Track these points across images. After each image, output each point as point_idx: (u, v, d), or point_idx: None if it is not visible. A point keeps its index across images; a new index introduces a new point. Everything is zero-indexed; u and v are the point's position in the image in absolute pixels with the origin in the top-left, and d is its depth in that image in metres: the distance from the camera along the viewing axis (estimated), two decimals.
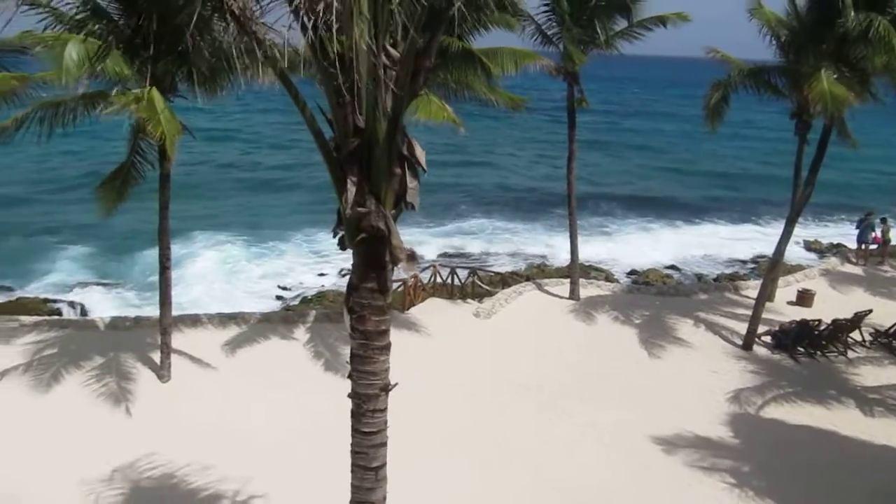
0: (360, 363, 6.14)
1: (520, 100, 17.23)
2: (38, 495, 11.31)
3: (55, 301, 24.42)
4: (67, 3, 13.16)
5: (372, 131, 5.51)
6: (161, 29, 12.78)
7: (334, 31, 5.19)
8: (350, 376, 6.29)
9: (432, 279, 21.05)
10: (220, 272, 29.90)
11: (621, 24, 19.37)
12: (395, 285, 16.30)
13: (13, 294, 25.75)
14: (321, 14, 4.76)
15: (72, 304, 24.34)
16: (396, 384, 6.38)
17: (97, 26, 13.38)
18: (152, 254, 29.60)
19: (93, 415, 13.84)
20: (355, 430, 6.39)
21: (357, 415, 6.32)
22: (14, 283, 27.47)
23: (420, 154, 5.86)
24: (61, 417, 13.71)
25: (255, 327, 18.02)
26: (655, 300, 21.23)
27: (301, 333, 17.75)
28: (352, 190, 5.60)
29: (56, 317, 19.64)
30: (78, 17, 13.32)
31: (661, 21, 19.28)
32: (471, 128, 14.50)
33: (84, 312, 23.04)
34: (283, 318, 18.79)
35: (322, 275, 29.85)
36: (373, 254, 5.84)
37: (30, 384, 14.88)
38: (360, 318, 6.00)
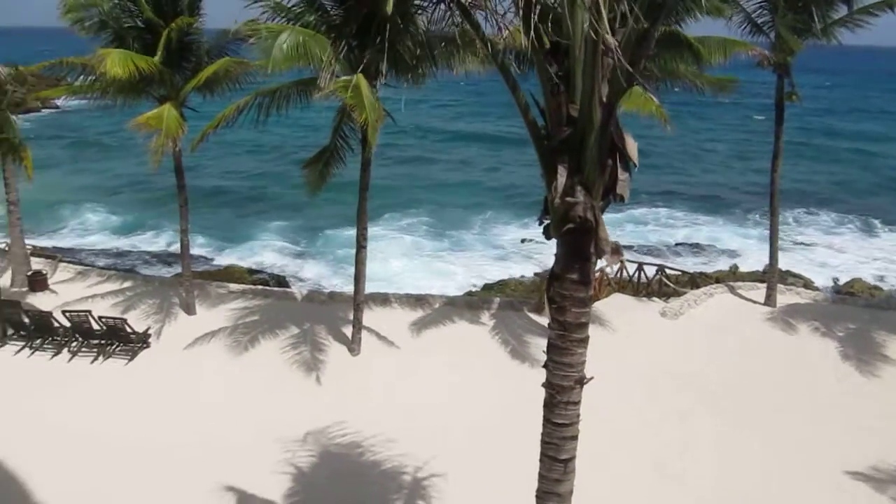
0: (558, 354, 6.09)
1: (729, 80, 16.39)
2: (237, 446, 12.30)
3: (259, 272, 26.45)
4: None
5: (586, 121, 5.42)
6: (370, 18, 13.41)
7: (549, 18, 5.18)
8: (545, 366, 6.25)
9: (618, 274, 20.56)
10: (405, 254, 31.08)
11: (841, 10, 17.77)
12: None
13: (224, 263, 28.24)
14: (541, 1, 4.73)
15: (273, 275, 26.23)
16: (592, 378, 6.29)
17: (311, 17, 14.30)
18: (347, 234, 31.87)
19: (287, 380, 14.89)
20: (547, 421, 6.36)
21: (550, 405, 6.28)
22: (225, 252, 30.16)
23: (631, 146, 5.68)
24: (258, 379, 14.87)
25: (440, 310, 18.50)
26: (863, 313, 19.42)
27: (486, 319, 17.98)
28: (561, 179, 5.54)
29: (260, 286, 21.17)
30: (296, 9, 14.31)
31: (889, 5, 17.46)
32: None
33: (284, 284, 24.69)
34: (468, 304, 19.13)
35: (507, 267, 30.12)
36: (578, 245, 5.75)
37: (231, 346, 16.28)
38: (561, 308, 5.95)
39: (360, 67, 13.31)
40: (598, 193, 5.65)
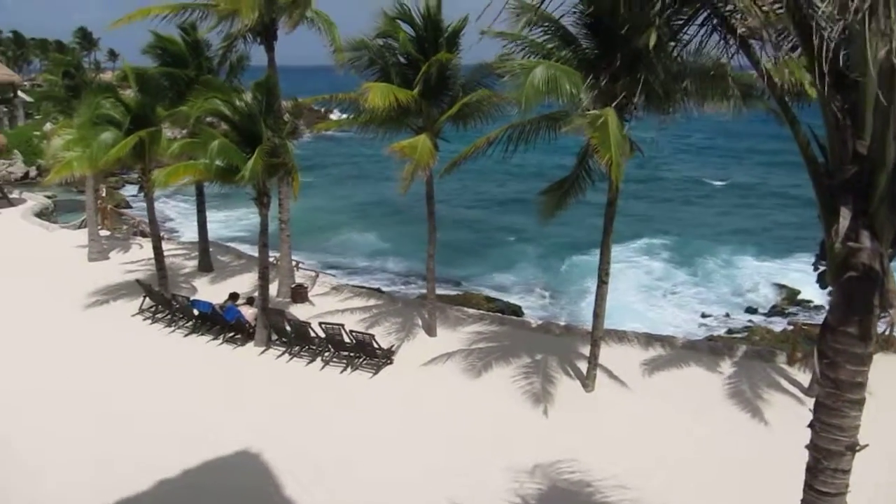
0: (827, 414, 5.51)
1: None
2: (464, 470, 12.53)
3: (496, 299, 27.00)
4: (540, 33, 14.57)
5: (876, 158, 4.89)
6: (623, 51, 13.26)
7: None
8: (811, 426, 5.69)
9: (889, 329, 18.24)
10: (642, 287, 30.17)
11: None
12: None
13: (461, 288, 29.23)
14: (838, 29, 4.35)
15: (509, 304, 26.62)
16: (867, 445, 5.61)
17: (564, 52, 14.44)
18: (584, 261, 31.76)
19: (517, 408, 14.90)
20: (809, 487, 5.78)
21: (815, 470, 5.70)
22: (463, 277, 31.23)
23: None
24: (489, 404, 15.06)
25: (679, 352, 17.65)
26: None
27: (726, 367, 16.84)
28: (844, 222, 5.03)
29: (497, 314, 21.57)
30: (549, 45, 14.53)
31: None
32: None
33: (519, 312, 24.98)
34: (711, 349, 18.03)
35: (752, 309, 28.15)
36: (859, 295, 5.19)
37: (467, 369, 16.69)
38: (834, 364, 5.39)
39: (610, 101, 13.21)
40: (887, 240, 5.06)
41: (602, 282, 15.03)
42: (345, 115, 18.50)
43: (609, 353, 16.97)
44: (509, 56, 14.74)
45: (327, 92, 18.39)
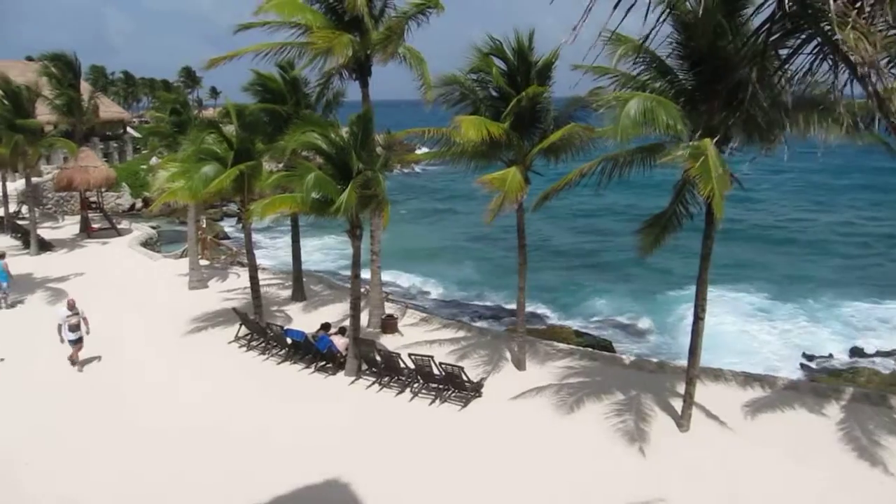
0: None
1: None
2: None
3: (586, 334, 26.56)
4: (635, 66, 14.39)
5: None
6: (724, 82, 12.96)
7: None
8: None
9: None
10: (738, 324, 29.11)
11: None
12: None
13: (549, 322, 28.90)
14: None
15: (600, 339, 26.12)
16: None
17: (659, 83, 14.22)
18: (679, 296, 30.96)
19: (609, 447, 14.51)
20: None
21: None
22: (551, 311, 30.89)
23: None
24: (580, 441, 14.74)
25: (780, 393, 16.84)
26: None
27: (833, 411, 15.90)
28: None
29: (588, 348, 21.18)
30: (643, 77, 14.34)
31: None
32: None
33: (610, 348, 24.47)
34: (813, 390, 17.12)
35: (858, 350, 26.70)
36: None
37: (557, 405, 16.38)
38: None
39: (709, 132, 12.90)
40: None
41: (698, 318, 14.56)
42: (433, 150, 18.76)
43: (705, 392, 16.39)
44: (600, 89, 14.65)
45: (412, 125, 18.69)
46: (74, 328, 18.08)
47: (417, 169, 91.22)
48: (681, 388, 15.68)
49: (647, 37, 5.01)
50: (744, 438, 14.69)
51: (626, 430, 15.09)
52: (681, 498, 12.47)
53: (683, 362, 15.58)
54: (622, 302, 32.50)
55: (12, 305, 24.77)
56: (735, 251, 40.86)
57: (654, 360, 19.48)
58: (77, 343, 18.26)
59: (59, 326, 18.05)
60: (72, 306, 18.22)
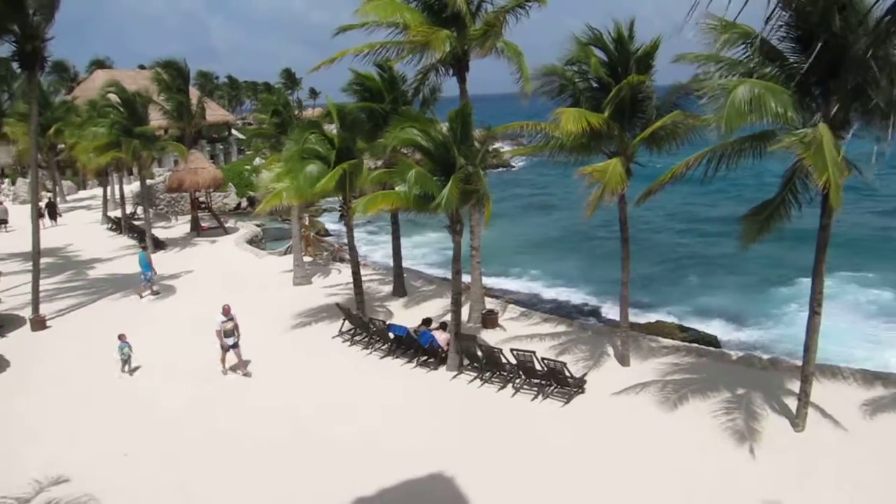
0: None
1: None
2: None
3: (690, 329, 25.82)
4: (741, 51, 13.82)
5: None
6: (838, 63, 12.30)
7: None
8: None
9: None
10: (856, 319, 27.64)
11: None
12: None
13: (652, 316, 28.24)
14: None
15: (704, 334, 25.35)
16: None
17: (768, 69, 13.60)
18: (789, 289, 29.69)
19: (717, 445, 14.06)
20: None
21: None
22: (654, 305, 30.22)
23: None
24: (687, 438, 14.37)
25: None
26: None
27: None
28: None
29: (694, 344, 20.58)
30: (750, 64, 13.75)
31: None
32: None
33: (715, 344, 23.71)
34: None
35: None
36: None
37: (662, 401, 16.03)
38: None
39: (824, 117, 12.28)
40: None
41: (814, 313, 13.89)
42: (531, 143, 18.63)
43: (821, 391, 15.63)
44: (707, 75, 14.15)
45: (510, 119, 18.57)
46: (229, 333, 18.31)
47: (512, 164, 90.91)
48: (794, 386, 15.07)
49: (768, 19, 4.75)
50: (864, 440, 13.95)
51: (735, 429, 14.59)
52: (796, 501, 11.95)
53: (796, 360, 14.91)
54: (728, 295, 31.40)
55: (156, 293, 27.00)
56: (851, 239, 38.69)
57: (765, 356, 18.72)
58: (234, 348, 18.48)
59: (218, 332, 18.28)
60: (227, 312, 18.40)
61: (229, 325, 18.36)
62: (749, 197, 15.80)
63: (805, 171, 12.29)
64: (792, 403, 14.94)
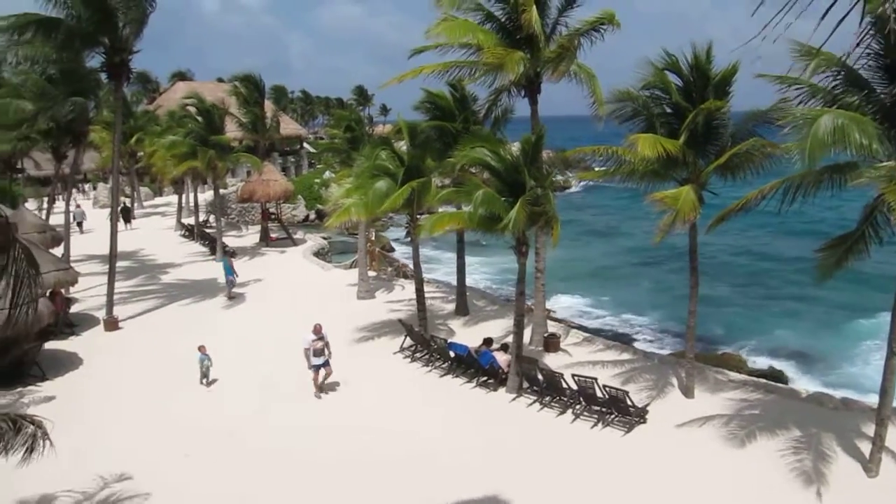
0: None
1: None
2: None
3: (757, 362, 25.09)
4: (827, 77, 13.45)
5: None
6: None
7: None
8: None
9: None
10: None
11: None
12: None
13: (718, 348, 27.54)
14: None
15: (774, 369, 24.57)
16: None
17: (853, 98, 13.19)
18: (864, 329, 28.57)
19: (785, 486, 13.55)
20: None
21: None
22: (721, 336, 29.47)
23: None
24: (750, 477, 13.86)
25: None
26: None
27: None
28: None
29: (762, 379, 19.94)
30: (835, 90, 13.37)
31: None
32: None
33: (783, 380, 22.96)
34: None
35: None
36: None
37: (727, 437, 15.52)
38: None
39: None
40: None
41: (893, 353, 13.29)
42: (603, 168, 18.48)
43: None
44: (787, 101, 13.80)
45: (582, 142, 18.44)
46: (319, 353, 17.99)
47: (577, 188, 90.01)
48: (868, 429, 14.44)
49: (857, 45, 4.61)
50: None
51: (802, 470, 14.03)
52: None
53: (870, 400, 14.29)
54: (799, 330, 30.37)
55: (232, 297, 28.39)
56: None
57: (837, 396, 18.00)
58: (325, 367, 18.17)
59: (306, 351, 18.00)
60: (317, 332, 18.04)
61: (319, 345, 17.97)
62: (825, 231, 15.28)
63: (888, 206, 11.85)
64: (865, 447, 14.31)
